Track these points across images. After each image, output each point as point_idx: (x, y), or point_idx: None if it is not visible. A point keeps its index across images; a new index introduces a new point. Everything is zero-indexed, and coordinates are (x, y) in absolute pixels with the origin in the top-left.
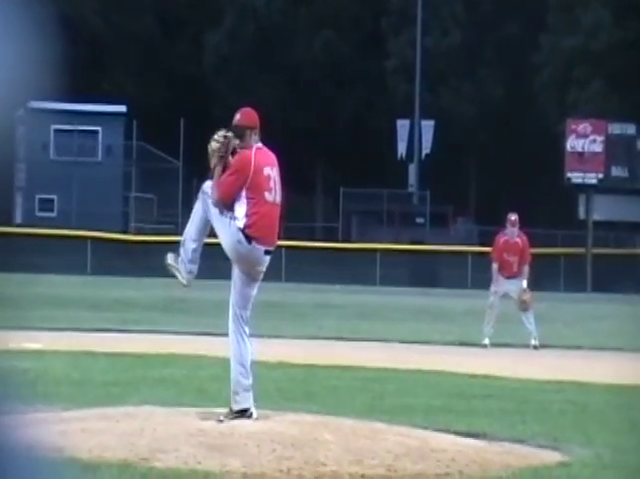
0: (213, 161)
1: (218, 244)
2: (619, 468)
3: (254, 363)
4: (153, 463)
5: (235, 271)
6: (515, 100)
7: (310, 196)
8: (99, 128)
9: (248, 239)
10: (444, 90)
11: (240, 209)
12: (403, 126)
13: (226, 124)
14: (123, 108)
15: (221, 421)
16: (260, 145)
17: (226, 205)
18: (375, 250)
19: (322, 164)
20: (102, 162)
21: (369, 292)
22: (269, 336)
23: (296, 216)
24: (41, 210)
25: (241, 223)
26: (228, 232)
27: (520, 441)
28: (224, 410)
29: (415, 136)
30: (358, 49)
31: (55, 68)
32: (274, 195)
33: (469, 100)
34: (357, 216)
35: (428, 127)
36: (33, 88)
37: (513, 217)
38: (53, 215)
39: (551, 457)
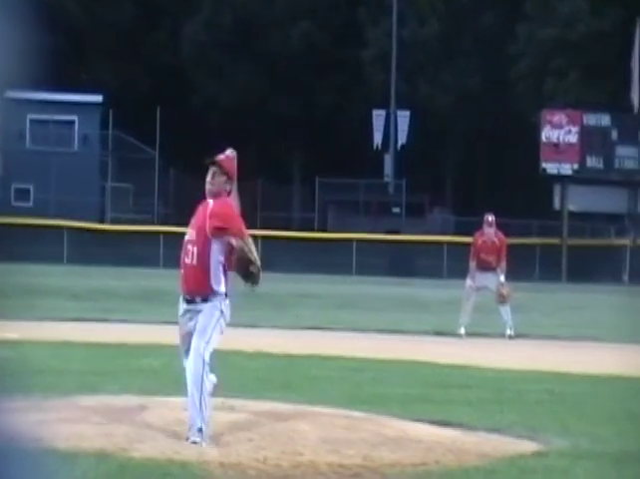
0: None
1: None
2: (596, 458)
3: (233, 353)
4: (130, 453)
5: (220, 323)
6: (492, 90)
7: (287, 185)
8: (75, 117)
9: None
10: (421, 80)
11: (220, 278)
12: (379, 116)
13: (203, 113)
14: (99, 97)
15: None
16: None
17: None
18: (351, 240)
19: (299, 154)
20: (78, 151)
21: (345, 282)
22: (247, 326)
23: (272, 205)
24: (17, 199)
25: (223, 287)
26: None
27: (498, 431)
28: None
29: (390, 126)
30: (335, 39)
31: (31, 57)
32: None
33: (445, 90)
34: (333, 205)
35: (403, 117)
36: (9, 77)
37: (490, 217)
38: (29, 204)
39: (528, 447)
